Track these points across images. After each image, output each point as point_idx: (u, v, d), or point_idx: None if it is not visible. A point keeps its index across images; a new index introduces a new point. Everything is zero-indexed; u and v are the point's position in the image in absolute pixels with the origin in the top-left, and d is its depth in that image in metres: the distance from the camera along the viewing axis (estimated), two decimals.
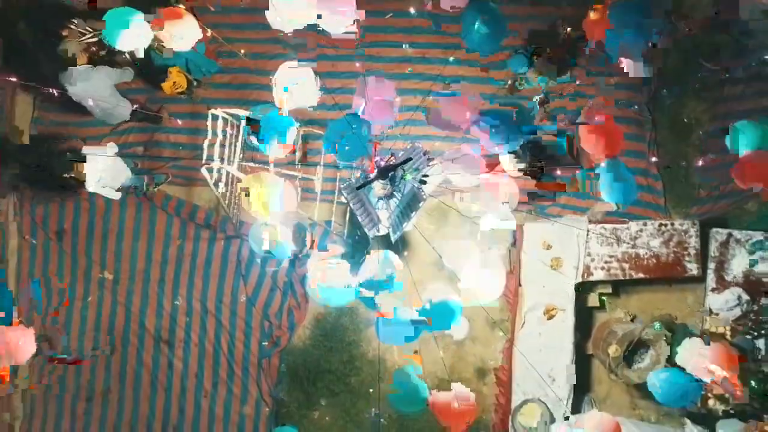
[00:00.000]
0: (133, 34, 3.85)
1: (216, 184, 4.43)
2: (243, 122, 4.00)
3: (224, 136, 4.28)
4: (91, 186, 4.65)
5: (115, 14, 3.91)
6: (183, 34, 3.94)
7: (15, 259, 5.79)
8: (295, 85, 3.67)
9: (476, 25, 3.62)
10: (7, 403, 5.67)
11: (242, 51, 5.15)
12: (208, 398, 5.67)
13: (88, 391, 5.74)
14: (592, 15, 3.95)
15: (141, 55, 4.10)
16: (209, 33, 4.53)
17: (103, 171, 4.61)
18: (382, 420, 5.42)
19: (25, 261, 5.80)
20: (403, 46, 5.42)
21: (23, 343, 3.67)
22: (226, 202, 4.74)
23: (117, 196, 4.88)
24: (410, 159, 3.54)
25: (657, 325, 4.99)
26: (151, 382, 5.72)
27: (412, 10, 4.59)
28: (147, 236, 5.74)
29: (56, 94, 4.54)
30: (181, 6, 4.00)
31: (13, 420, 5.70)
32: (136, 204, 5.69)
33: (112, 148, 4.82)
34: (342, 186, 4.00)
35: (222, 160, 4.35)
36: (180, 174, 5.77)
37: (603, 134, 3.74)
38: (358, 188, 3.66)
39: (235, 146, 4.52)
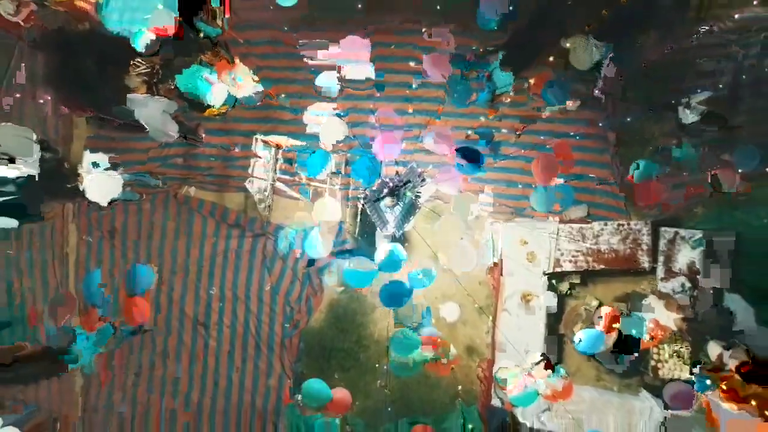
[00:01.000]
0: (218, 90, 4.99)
1: (256, 192, 5.49)
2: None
3: (265, 157, 5.37)
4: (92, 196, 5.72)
5: (188, 74, 5.01)
6: (238, 76, 5.03)
7: (75, 255, 6.82)
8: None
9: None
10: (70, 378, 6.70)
11: (282, 95, 6.14)
12: (239, 372, 6.70)
13: (136, 366, 6.77)
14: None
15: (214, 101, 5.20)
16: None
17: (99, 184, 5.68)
18: (386, 390, 6.47)
19: (82, 256, 6.82)
20: (411, 87, 6.38)
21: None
22: (261, 206, 5.77)
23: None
24: (409, 181, 4.74)
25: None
26: (189, 359, 6.74)
27: (412, 63, 5.69)
28: (186, 235, 6.76)
29: (116, 119, 5.58)
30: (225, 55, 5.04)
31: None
32: (177, 207, 6.71)
33: (104, 161, 5.88)
34: (362, 199, 5.13)
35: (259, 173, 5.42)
36: (214, 182, 6.78)
37: (538, 164, 4.89)
38: (375, 201, 4.82)
39: (275, 165, 5.59)
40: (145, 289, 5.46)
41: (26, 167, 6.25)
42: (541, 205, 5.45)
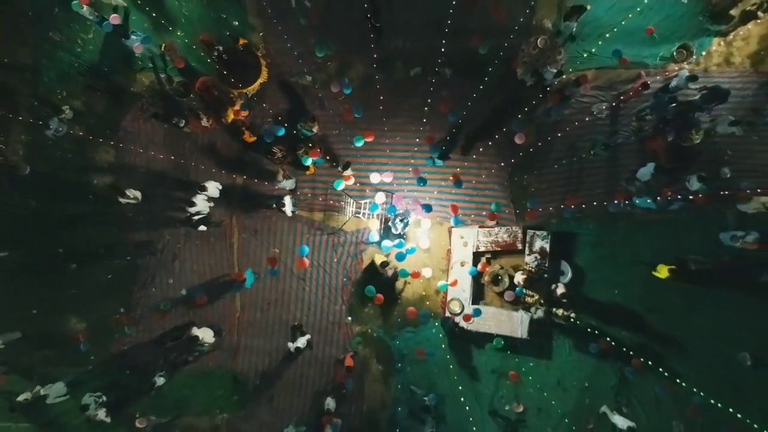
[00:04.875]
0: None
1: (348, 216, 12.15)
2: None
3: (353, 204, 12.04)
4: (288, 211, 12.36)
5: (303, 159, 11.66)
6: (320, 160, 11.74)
7: (236, 244, 13.39)
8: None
9: None
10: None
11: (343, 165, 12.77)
12: (321, 302, 13.22)
13: (263, 302, 13.31)
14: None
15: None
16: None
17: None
18: (399, 319, 12.98)
19: (240, 247, 13.39)
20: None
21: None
22: (343, 221, 12.39)
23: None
24: (404, 215, 11.44)
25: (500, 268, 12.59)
26: (294, 297, 13.29)
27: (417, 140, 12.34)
28: (293, 234, 13.30)
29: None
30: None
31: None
32: (290, 220, 13.22)
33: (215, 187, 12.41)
34: (386, 228, 11.78)
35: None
36: (308, 205, 13.31)
37: (450, 209, 11.51)
38: (392, 221, 11.51)
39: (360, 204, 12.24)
40: (306, 255, 11.98)
41: (211, 196, 12.81)
42: (458, 223, 12.03)
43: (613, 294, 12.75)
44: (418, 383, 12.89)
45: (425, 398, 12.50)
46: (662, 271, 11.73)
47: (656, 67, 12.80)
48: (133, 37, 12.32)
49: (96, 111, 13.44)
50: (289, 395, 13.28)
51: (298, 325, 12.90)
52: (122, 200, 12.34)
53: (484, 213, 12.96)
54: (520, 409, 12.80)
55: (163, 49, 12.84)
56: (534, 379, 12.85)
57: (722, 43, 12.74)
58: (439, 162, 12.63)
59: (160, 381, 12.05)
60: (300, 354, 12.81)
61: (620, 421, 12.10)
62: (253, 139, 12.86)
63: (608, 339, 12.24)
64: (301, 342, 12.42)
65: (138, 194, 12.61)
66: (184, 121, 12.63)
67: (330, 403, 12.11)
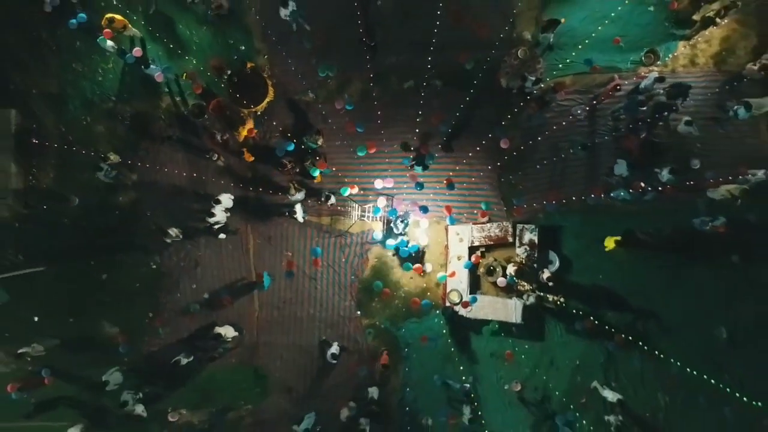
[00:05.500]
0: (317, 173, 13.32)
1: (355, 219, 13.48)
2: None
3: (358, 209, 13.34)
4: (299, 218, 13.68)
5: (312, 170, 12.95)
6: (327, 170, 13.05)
7: (252, 249, 14.66)
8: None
9: None
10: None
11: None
12: (330, 298, 14.49)
13: (279, 301, 14.58)
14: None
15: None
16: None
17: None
18: (404, 310, 14.25)
19: (256, 252, 14.67)
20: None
21: None
22: (349, 224, 13.68)
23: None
24: (404, 216, 12.77)
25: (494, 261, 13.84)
26: (308, 295, 14.56)
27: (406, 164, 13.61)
28: (303, 238, 14.57)
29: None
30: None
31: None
32: (300, 225, 14.48)
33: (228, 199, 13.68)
34: (390, 221, 13.08)
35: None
36: (316, 211, 14.58)
37: (444, 209, 12.78)
38: (393, 222, 12.80)
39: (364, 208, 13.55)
40: (319, 255, 13.31)
41: (226, 207, 14.05)
42: (452, 222, 13.34)
43: (597, 279, 13.99)
44: (430, 369, 14.14)
45: (466, 385, 13.71)
46: (609, 243, 13.14)
47: (628, 70, 14.04)
48: (152, 66, 13.56)
49: (118, 134, 14.69)
50: (306, 385, 14.54)
51: (324, 340, 14.29)
52: (167, 239, 13.77)
53: (475, 211, 14.20)
54: (518, 388, 14.03)
55: (185, 78, 14.06)
56: (529, 359, 14.09)
57: (687, 46, 13.98)
58: (418, 168, 13.91)
59: (183, 360, 13.33)
60: (337, 360, 13.84)
61: (610, 395, 13.33)
62: (252, 159, 14.10)
63: (592, 318, 13.48)
64: (335, 348, 13.65)
65: (179, 231, 13.93)
66: (216, 156, 13.99)
67: (373, 392, 13.60)
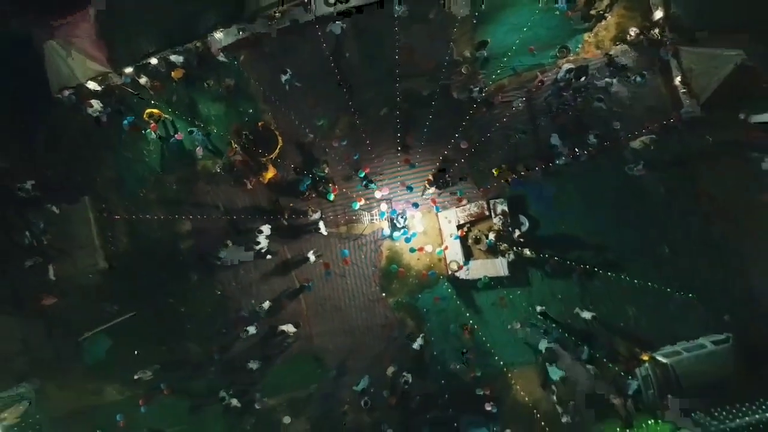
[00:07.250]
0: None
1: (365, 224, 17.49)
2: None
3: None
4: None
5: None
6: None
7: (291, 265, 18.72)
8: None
9: None
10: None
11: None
12: (361, 288, 18.48)
13: (321, 299, 18.61)
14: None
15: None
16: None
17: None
18: (416, 282, 18.30)
19: (295, 265, 18.71)
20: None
21: None
22: (362, 228, 17.69)
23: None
24: (403, 213, 16.77)
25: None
26: (341, 291, 18.55)
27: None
28: (329, 246, 18.57)
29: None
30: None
31: None
32: (324, 238, 18.48)
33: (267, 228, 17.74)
34: (393, 218, 17.13)
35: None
36: (334, 222, 18.59)
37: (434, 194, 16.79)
38: (395, 219, 16.82)
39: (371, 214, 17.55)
40: (347, 255, 17.37)
41: (266, 234, 18.07)
42: (438, 210, 17.33)
43: (561, 229, 17.93)
44: (446, 324, 18.11)
45: (464, 351, 17.67)
46: (496, 172, 17.57)
47: (550, 65, 17.98)
48: (196, 134, 17.81)
49: (168, 197, 18.75)
50: (356, 359, 18.55)
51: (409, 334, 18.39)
52: (258, 241, 17.90)
53: (456, 198, 18.17)
54: (518, 326, 17.96)
55: (231, 155, 18.01)
56: (522, 301, 18.03)
57: (591, 36, 17.90)
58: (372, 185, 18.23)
59: (252, 330, 17.51)
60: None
61: (587, 315, 17.28)
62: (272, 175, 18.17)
63: (556, 259, 17.42)
64: (420, 341, 17.69)
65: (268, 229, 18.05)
66: (248, 182, 18.00)
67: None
